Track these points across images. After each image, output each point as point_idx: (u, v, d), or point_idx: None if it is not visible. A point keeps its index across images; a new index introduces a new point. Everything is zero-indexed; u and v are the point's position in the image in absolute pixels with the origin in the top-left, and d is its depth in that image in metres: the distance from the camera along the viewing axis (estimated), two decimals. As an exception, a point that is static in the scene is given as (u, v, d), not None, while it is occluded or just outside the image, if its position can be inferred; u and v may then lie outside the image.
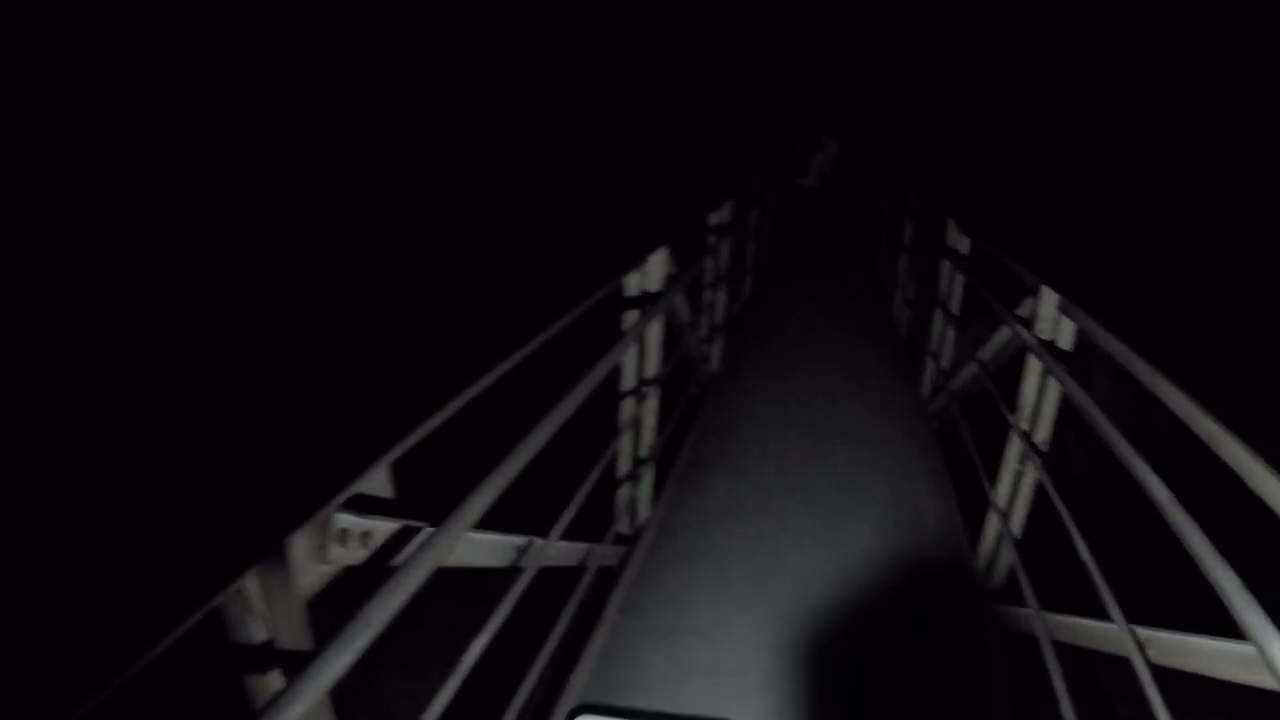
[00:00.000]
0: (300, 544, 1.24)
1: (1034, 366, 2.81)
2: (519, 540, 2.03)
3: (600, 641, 2.57)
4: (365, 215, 7.89)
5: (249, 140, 7.21)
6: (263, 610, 1.18)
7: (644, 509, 3.31)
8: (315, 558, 1.30)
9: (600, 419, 3.07)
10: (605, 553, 2.81)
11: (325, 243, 7.41)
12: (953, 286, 4.55)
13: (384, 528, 1.46)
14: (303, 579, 1.25)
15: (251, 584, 1.16)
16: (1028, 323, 2.90)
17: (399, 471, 1.56)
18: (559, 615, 2.23)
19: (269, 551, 1.17)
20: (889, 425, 4.42)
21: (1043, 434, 2.77)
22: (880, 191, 9.52)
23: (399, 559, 1.45)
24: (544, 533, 2.06)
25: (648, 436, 3.22)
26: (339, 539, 1.37)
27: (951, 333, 4.53)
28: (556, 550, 2.34)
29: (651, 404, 3.17)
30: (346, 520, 1.37)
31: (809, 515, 3.35)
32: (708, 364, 4.97)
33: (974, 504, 3.20)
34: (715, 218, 4.80)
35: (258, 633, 1.19)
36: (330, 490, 1.29)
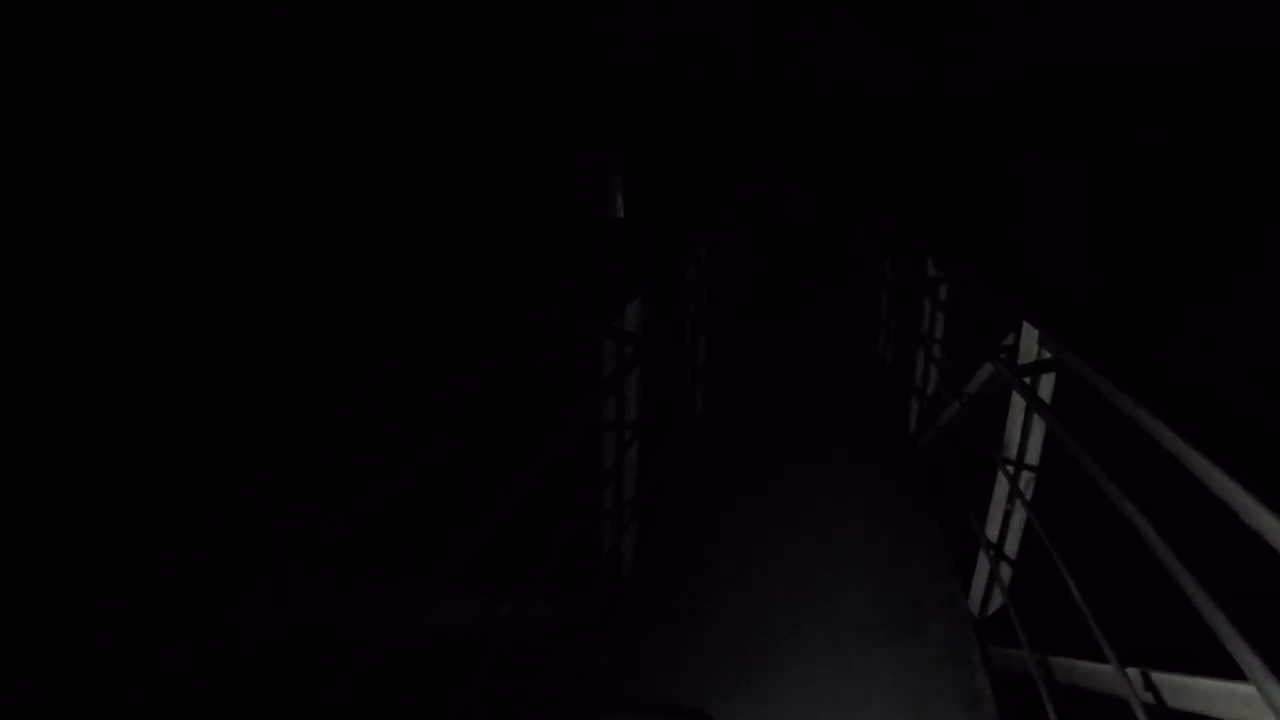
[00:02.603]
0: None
1: (1017, 402, 2.77)
2: (495, 601, 1.96)
3: (588, 700, 2.49)
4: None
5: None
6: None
7: (629, 561, 3.23)
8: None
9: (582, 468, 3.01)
10: (590, 608, 2.73)
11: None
12: (934, 322, 4.53)
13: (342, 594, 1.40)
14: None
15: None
16: (1011, 355, 2.87)
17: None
18: (541, 674, 2.16)
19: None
20: (876, 465, 4.37)
21: (1029, 471, 2.72)
22: (860, 228, 9.58)
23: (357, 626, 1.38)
24: (523, 590, 1.99)
25: (630, 486, 3.15)
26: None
27: (935, 368, 4.50)
28: (536, 608, 2.27)
29: (633, 452, 3.11)
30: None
31: (795, 565, 3.27)
32: (691, 406, 4.93)
33: (966, 543, 3.14)
34: (693, 260, 4.79)
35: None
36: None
